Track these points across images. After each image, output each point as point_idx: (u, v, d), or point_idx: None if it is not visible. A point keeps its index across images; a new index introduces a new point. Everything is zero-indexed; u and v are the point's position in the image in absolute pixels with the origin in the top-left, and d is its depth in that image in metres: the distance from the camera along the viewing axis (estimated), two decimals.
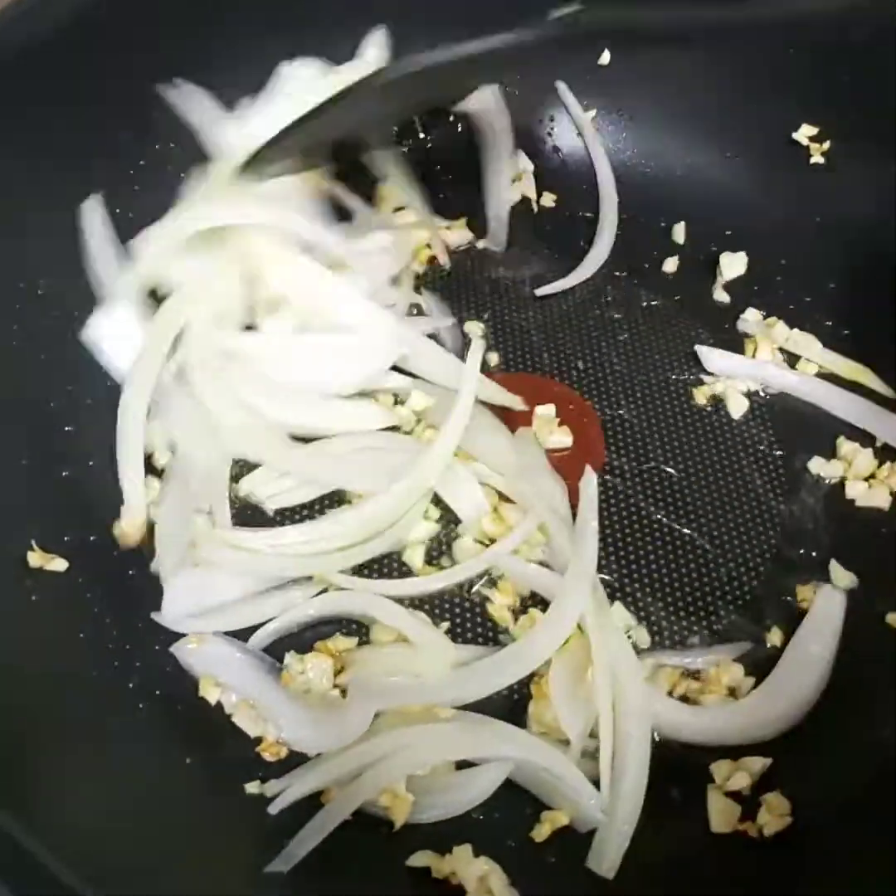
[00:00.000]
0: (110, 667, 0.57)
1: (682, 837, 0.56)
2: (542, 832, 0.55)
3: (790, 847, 0.55)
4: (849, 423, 0.73)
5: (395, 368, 0.71)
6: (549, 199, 0.85)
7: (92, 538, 0.63)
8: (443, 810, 0.55)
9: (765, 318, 0.78)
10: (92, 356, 0.68)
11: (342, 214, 0.78)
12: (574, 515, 0.65)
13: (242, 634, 0.61)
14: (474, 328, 0.77)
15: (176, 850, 0.50)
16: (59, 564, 0.58)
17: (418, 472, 0.64)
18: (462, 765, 0.57)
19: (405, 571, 0.65)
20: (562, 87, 0.86)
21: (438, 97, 0.76)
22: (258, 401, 0.67)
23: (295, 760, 0.57)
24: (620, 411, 0.74)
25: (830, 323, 0.78)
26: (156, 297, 0.70)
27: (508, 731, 0.57)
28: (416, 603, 0.63)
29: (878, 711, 0.60)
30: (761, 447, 0.73)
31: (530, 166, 0.85)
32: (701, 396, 0.75)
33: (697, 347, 0.76)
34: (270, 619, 0.61)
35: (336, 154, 0.73)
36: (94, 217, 0.70)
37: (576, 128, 0.86)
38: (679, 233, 0.83)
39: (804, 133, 0.82)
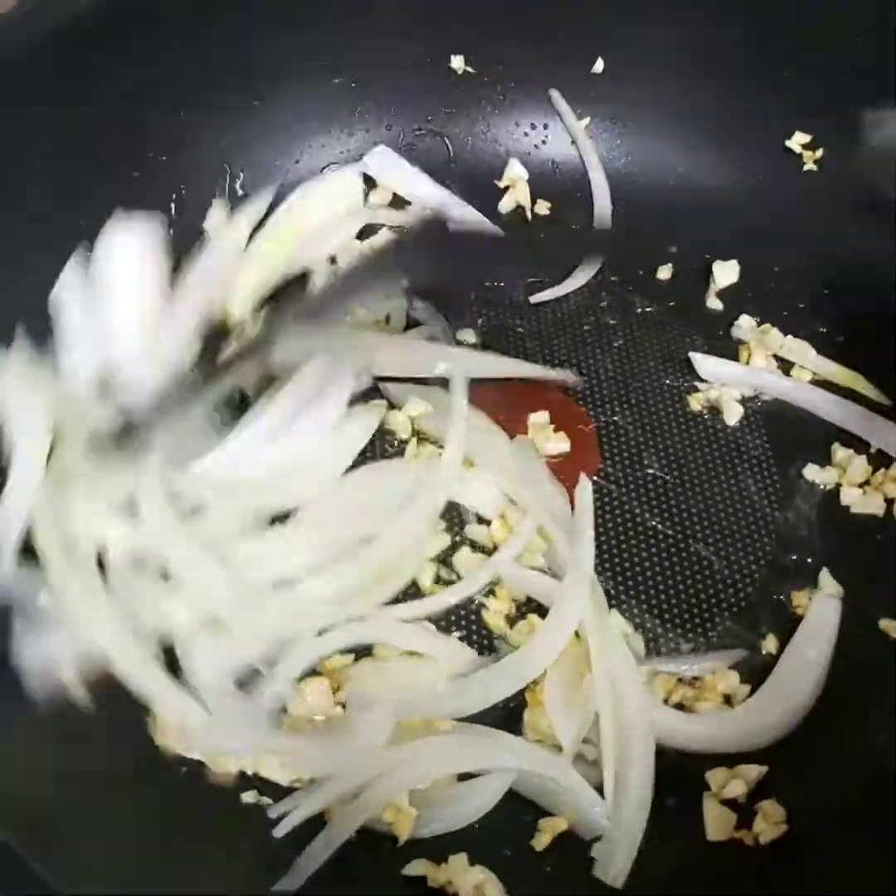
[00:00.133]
0: None
1: (678, 845, 0.56)
2: (541, 840, 0.55)
3: (786, 855, 0.55)
4: (843, 429, 0.73)
5: (386, 379, 0.72)
6: (543, 207, 0.85)
7: None
8: (445, 823, 0.55)
9: (759, 324, 0.79)
10: None
11: None
12: None
13: None
14: (468, 336, 0.77)
15: (174, 865, 0.51)
16: None
17: (429, 492, 0.64)
18: (463, 776, 0.56)
19: (411, 590, 0.64)
20: (555, 94, 0.86)
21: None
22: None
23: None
24: (615, 418, 0.74)
25: (824, 329, 0.78)
26: None
27: (510, 740, 0.57)
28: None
29: (872, 718, 0.60)
30: (756, 454, 0.73)
31: (524, 174, 0.86)
32: (695, 403, 0.75)
33: (691, 354, 0.77)
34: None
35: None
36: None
37: (570, 136, 0.86)
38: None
39: (797, 141, 0.82)
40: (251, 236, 0.77)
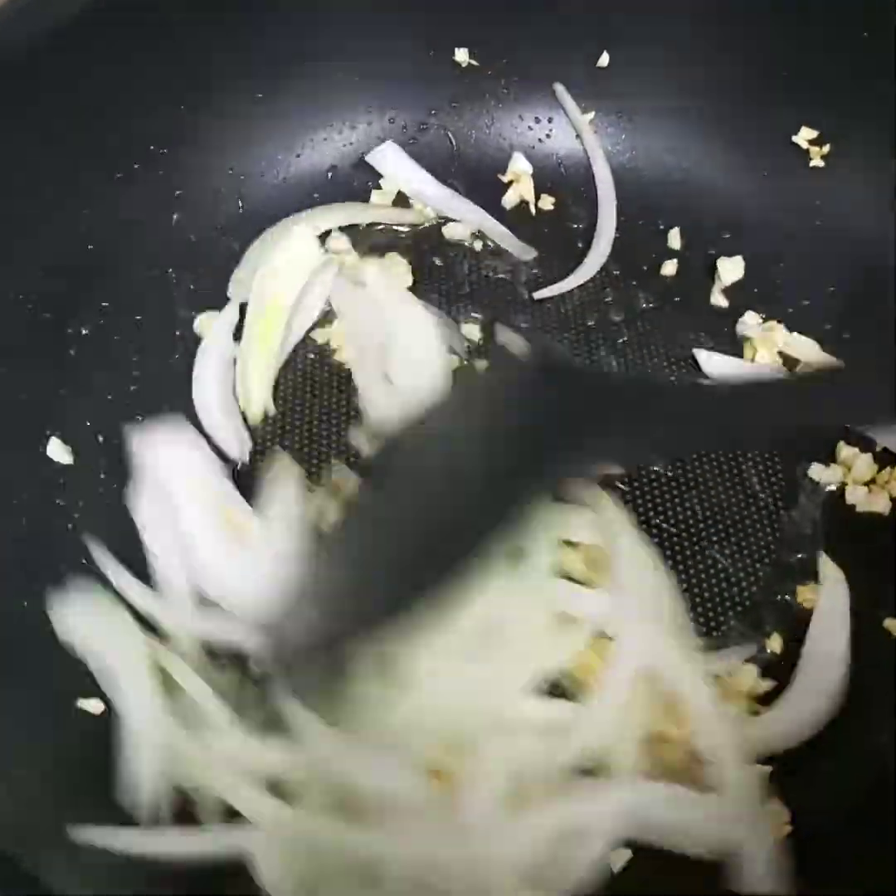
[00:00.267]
0: None
1: None
2: None
3: (791, 855, 0.55)
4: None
5: None
6: (547, 202, 0.84)
7: None
8: None
9: (764, 321, 0.78)
10: None
11: None
12: None
13: None
14: (472, 331, 0.77)
15: None
16: None
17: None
18: None
19: None
20: (560, 88, 0.85)
21: None
22: None
23: None
24: None
25: (830, 326, 0.78)
26: None
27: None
28: None
29: (874, 717, 0.60)
30: (760, 452, 0.72)
31: (528, 168, 0.85)
32: None
33: (696, 351, 0.76)
34: None
35: None
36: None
37: (574, 130, 0.86)
38: (674, 238, 0.82)
39: (804, 136, 0.81)
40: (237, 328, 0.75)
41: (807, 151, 0.82)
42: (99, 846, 0.50)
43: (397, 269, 0.78)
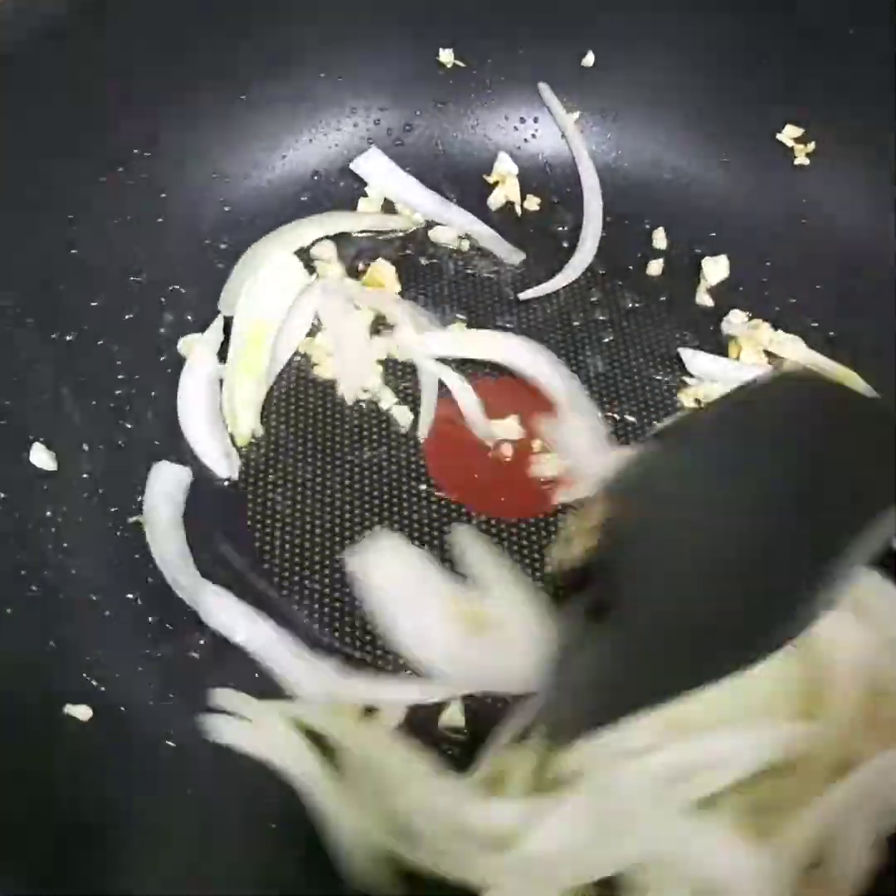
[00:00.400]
0: None
1: None
2: None
3: None
4: None
5: None
6: (532, 203, 0.84)
7: None
8: None
9: (749, 319, 0.78)
10: None
11: None
12: None
13: None
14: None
15: None
16: None
17: None
18: None
19: None
20: (545, 88, 0.85)
21: None
22: None
23: None
24: (610, 414, 0.73)
25: (816, 324, 0.78)
26: None
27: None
28: None
29: None
30: None
31: (514, 169, 0.85)
32: (686, 399, 0.74)
33: (681, 350, 0.76)
34: None
35: None
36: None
37: (559, 130, 0.86)
38: (660, 237, 0.82)
39: (789, 134, 0.81)
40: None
41: (792, 149, 0.82)
42: None
43: (384, 276, 0.78)
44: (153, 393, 0.71)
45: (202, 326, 0.74)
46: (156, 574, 0.63)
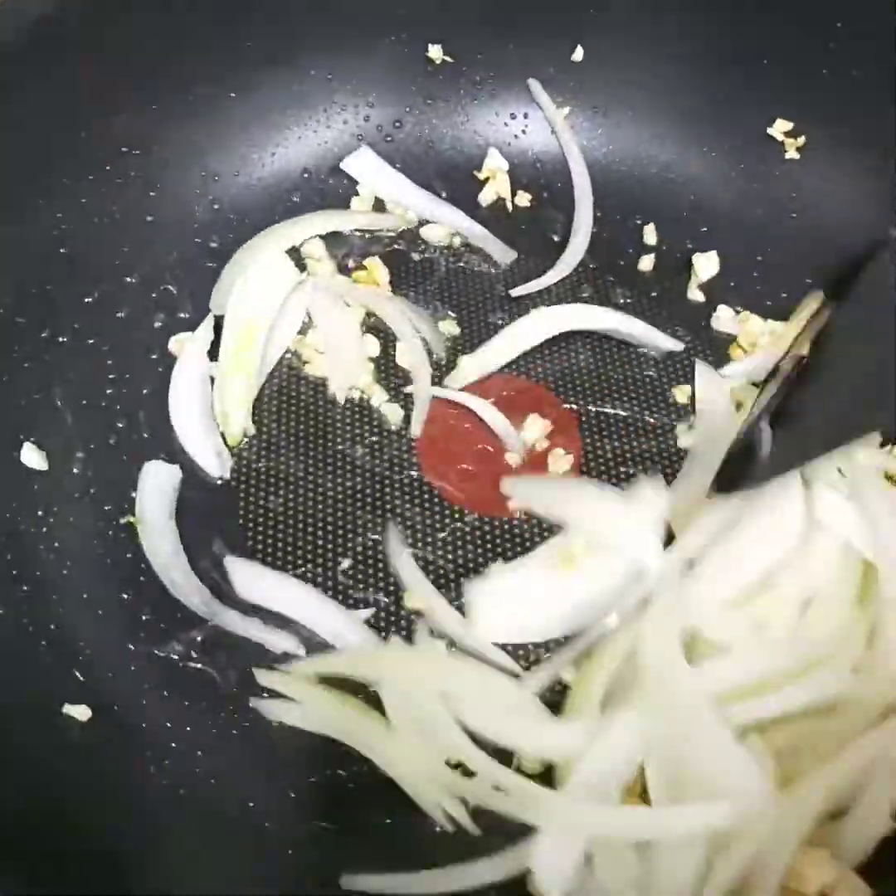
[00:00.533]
0: None
1: None
2: None
3: None
4: None
5: None
6: (523, 199, 0.84)
7: None
8: None
9: (737, 314, 0.78)
10: None
11: None
12: None
13: None
14: (450, 328, 0.77)
15: None
16: None
17: None
18: None
19: None
20: (534, 84, 0.85)
21: None
22: None
23: None
24: (605, 408, 0.73)
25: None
26: None
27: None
28: None
29: None
30: None
31: (504, 165, 0.85)
32: (681, 395, 0.74)
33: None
34: None
35: None
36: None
37: (549, 125, 0.86)
38: (651, 233, 0.82)
39: (779, 128, 0.81)
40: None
41: (782, 144, 0.82)
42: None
43: (375, 273, 0.78)
44: (144, 392, 0.71)
45: (193, 325, 0.74)
46: (148, 573, 0.63)
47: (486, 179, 0.84)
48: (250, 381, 0.71)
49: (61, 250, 0.71)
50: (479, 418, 0.72)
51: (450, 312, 0.78)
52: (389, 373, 0.75)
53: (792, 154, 0.82)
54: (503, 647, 0.61)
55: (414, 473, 0.69)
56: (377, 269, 0.78)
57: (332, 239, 0.80)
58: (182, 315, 0.75)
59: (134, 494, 0.66)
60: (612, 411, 0.73)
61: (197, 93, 0.78)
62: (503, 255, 0.81)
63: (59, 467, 0.66)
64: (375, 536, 0.66)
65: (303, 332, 0.76)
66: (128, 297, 0.74)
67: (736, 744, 0.51)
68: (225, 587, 0.63)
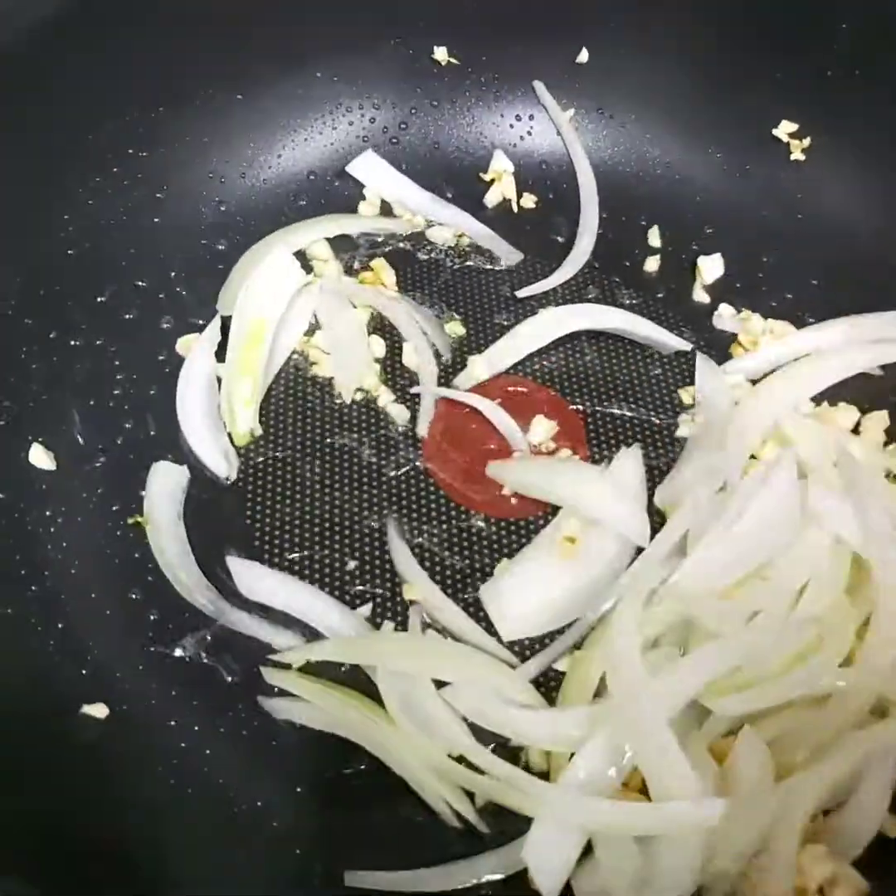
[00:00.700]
0: None
1: None
2: None
3: None
4: None
5: None
6: (529, 200, 0.84)
7: None
8: None
9: (738, 312, 0.78)
10: None
11: None
12: None
13: None
14: (455, 328, 0.77)
15: None
16: None
17: None
18: None
19: None
20: (539, 86, 0.85)
21: None
22: None
23: None
24: (612, 409, 0.73)
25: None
26: None
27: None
28: None
29: None
30: None
31: (510, 166, 0.85)
32: (686, 396, 0.74)
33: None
34: None
35: None
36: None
37: (555, 127, 0.86)
38: (656, 234, 0.82)
39: (784, 129, 0.82)
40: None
41: (787, 145, 0.82)
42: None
43: (381, 274, 0.79)
44: (152, 393, 0.71)
45: (200, 327, 0.74)
46: (156, 573, 0.63)
47: (492, 181, 0.85)
48: (257, 382, 0.71)
49: (69, 252, 0.71)
50: (486, 419, 0.72)
51: (455, 313, 0.78)
52: (396, 373, 0.75)
53: (797, 155, 0.82)
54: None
55: (420, 474, 0.70)
56: (383, 270, 0.79)
57: (339, 241, 0.81)
58: (189, 317, 0.75)
59: (142, 494, 0.66)
60: (619, 412, 0.73)
61: (203, 95, 0.78)
62: (509, 256, 0.81)
63: (68, 468, 0.66)
64: (380, 535, 0.66)
65: (309, 333, 0.76)
66: (135, 299, 0.75)
67: (680, 751, 0.51)
68: (232, 586, 0.63)
